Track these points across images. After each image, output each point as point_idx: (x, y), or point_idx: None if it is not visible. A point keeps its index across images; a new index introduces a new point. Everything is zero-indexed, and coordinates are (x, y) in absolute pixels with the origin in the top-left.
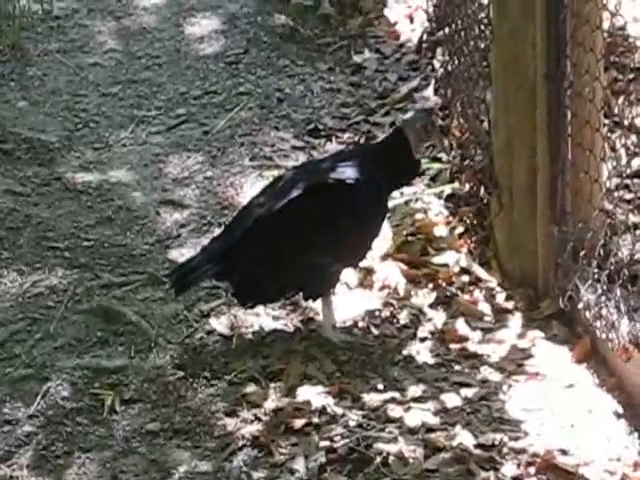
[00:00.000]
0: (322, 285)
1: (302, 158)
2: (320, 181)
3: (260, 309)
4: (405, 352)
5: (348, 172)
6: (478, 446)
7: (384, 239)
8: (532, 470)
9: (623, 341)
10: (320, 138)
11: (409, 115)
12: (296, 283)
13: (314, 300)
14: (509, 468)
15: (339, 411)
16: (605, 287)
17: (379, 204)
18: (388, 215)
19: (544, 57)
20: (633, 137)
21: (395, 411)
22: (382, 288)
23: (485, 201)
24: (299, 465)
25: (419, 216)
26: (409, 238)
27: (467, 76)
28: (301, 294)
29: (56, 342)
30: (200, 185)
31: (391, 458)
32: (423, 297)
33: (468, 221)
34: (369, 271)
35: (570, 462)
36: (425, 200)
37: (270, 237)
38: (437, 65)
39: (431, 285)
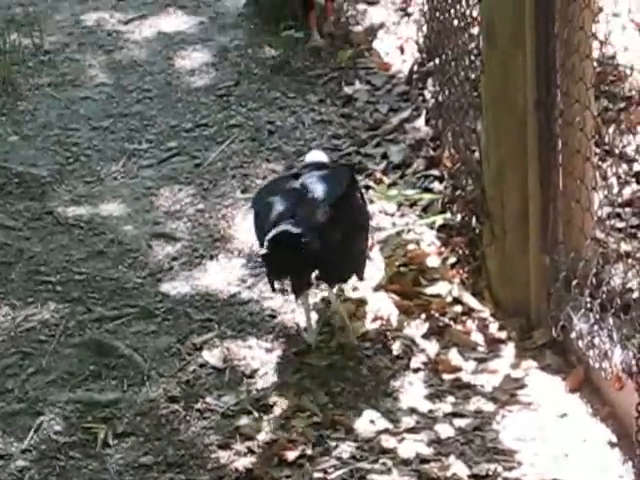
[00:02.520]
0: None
1: None
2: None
3: (252, 341)
4: (398, 383)
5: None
6: (472, 476)
7: (376, 270)
8: None
9: (616, 370)
10: None
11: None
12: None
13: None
14: None
15: (332, 443)
16: (598, 316)
17: None
18: (380, 246)
19: (534, 87)
20: (624, 166)
21: (389, 442)
22: (375, 319)
23: (477, 231)
24: None
25: (411, 247)
26: (401, 269)
27: (458, 106)
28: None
29: (49, 376)
30: (192, 218)
31: None
32: (416, 328)
33: (460, 251)
34: (362, 302)
35: None
36: (417, 231)
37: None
38: (428, 96)
39: (424, 316)
